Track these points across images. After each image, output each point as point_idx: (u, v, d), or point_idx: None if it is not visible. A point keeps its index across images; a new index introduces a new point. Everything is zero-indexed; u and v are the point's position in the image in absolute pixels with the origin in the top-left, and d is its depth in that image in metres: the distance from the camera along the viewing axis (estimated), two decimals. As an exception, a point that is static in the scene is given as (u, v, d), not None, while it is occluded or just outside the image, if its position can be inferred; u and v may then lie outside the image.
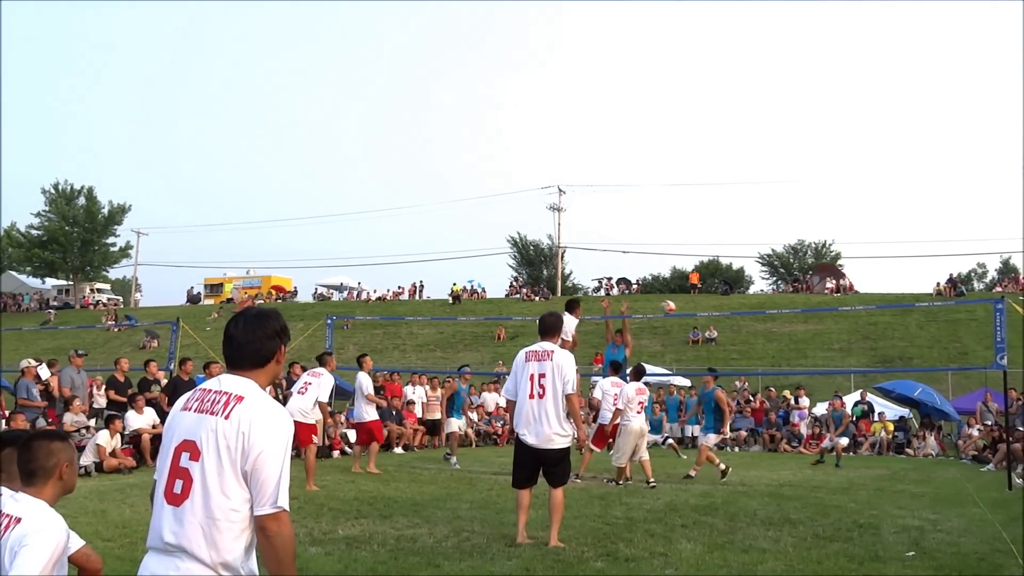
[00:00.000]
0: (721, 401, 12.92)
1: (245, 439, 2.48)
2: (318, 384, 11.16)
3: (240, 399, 2.55)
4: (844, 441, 17.85)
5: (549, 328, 7.09)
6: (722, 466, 12.30)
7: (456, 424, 16.00)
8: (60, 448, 3.11)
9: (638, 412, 11.57)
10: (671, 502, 9.50)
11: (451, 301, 48.45)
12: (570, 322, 11.18)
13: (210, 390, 2.63)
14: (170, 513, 2.51)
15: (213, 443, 2.49)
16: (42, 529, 2.88)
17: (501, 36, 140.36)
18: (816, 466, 15.70)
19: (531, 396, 6.77)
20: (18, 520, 2.89)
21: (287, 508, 2.50)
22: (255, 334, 2.69)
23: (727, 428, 13.32)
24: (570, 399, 6.78)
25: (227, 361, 2.71)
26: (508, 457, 14.01)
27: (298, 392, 11.30)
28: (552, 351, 6.91)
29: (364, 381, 12.74)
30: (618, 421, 11.73)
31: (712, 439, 12.84)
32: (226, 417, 2.51)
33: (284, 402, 12.62)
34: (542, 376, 6.78)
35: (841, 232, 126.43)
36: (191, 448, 2.53)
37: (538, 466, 6.86)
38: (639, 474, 11.87)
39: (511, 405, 7.10)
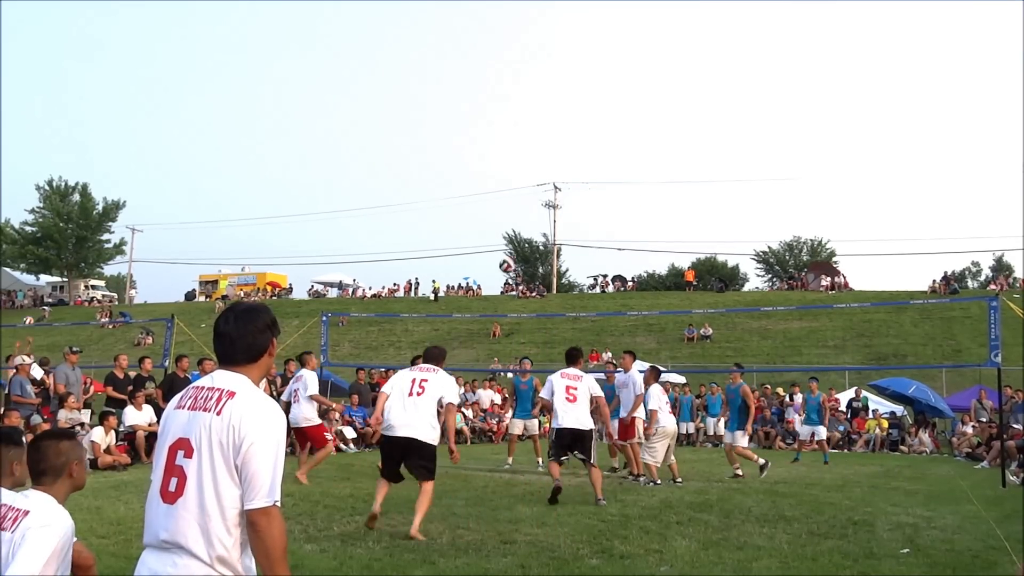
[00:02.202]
0: (748, 397, 12.85)
1: (236, 433, 2.47)
2: (303, 385, 11.38)
3: (232, 395, 2.54)
4: (822, 432, 16.53)
5: (433, 358, 7.78)
6: (760, 461, 12.43)
7: (520, 424, 14.29)
8: (69, 447, 3.15)
9: (669, 412, 11.73)
10: (666, 499, 9.51)
11: (433, 298, 48.48)
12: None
13: (203, 387, 2.62)
14: (165, 510, 2.50)
15: (206, 440, 2.49)
16: (48, 524, 2.90)
17: (499, 34, 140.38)
18: (794, 464, 15.54)
19: (410, 394, 7.28)
20: (26, 513, 2.92)
21: (279, 503, 2.47)
22: (246, 329, 2.67)
23: (750, 425, 13.16)
24: (450, 408, 7.42)
25: (219, 357, 2.69)
26: (503, 455, 14.07)
27: (293, 401, 11.45)
28: (438, 369, 7.61)
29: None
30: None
31: (741, 437, 12.75)
32: (218, 413, 2.51)
33: (278, 398, 12.65)
34: (424, 381, 7.38)
35: (836, 230, 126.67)
36: (185, 446, 2.52)
37: (402, 460, 7.32)
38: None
39: (384, 399, 7.41)
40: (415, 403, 7.24)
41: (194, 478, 2.48)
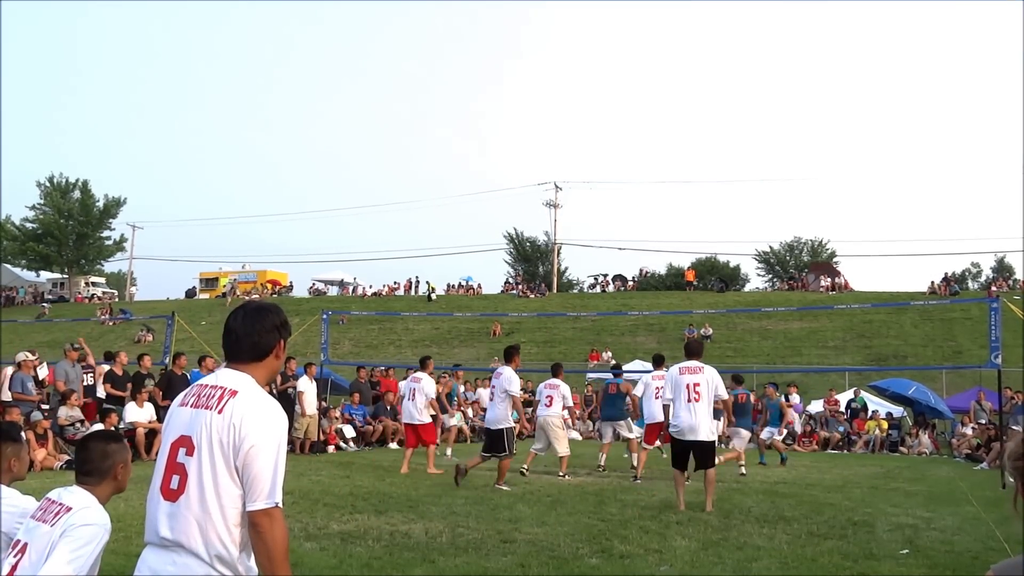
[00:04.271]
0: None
1: (236, 433, 2.46)
2: (421, 388, 12.36)
3: (234, 393, 2.54)
4: (766, 434, 15.75)
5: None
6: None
7: (452, 421, 17.14)
8: (116, 450, 3.16)
9: (547, 405, 12.15)
10: (666, 499, 9.51)
11: (427, 299, 48.30)
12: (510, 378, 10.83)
13: (206, 385, 2.62)
14: (166, 509, 2.50)
15: (207, 438, 2.49)
16: (88, 523, 2.93)
17: (498, 32, 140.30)
18: (760, 465, 14.69)
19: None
20: (68, 509, 2.95)
21: (280, 504, 2.48)
22: (254, 327, 2.66)
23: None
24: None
25: (226, 354, 2.68)
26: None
27: (408, 399, 12.53)
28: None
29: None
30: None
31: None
32: (219, 412, 2.51)
33: (279, 398, 12.68)
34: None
35: (837, 230, 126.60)
36: (187, 444, 2.52)
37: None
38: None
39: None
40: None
41: (195, 476, 2.48)
